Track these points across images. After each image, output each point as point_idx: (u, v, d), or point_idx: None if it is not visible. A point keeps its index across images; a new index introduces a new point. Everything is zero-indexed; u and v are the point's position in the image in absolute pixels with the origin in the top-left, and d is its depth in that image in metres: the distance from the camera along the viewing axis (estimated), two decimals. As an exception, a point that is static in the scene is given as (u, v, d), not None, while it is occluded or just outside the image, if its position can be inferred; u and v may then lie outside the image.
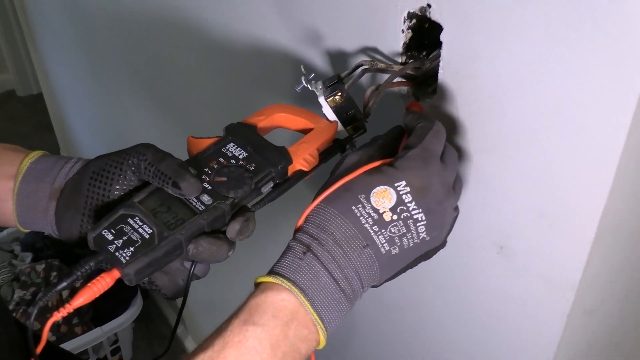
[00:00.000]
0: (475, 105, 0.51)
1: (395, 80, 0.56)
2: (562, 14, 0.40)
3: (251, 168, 0.50)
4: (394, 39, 0.56)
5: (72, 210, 0.51)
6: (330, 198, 0.47)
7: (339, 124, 0.55)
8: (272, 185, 0.51)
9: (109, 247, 0.46)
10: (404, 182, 0.46)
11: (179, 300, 1.91)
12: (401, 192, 0.46)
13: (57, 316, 0.44)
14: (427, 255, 0.50)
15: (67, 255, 2.13)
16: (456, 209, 0.50)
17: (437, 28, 0.51)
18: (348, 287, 0.46)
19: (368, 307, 0.84)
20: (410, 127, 0.51)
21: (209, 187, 0.49)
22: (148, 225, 0.47)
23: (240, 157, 0.51)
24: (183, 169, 0.48)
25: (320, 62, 0.68)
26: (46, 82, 2.58)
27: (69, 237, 0.52)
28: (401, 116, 0.53)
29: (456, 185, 0.50)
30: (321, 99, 0.54)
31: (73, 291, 1.84)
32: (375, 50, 0.60)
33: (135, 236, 0.46)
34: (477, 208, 0.56)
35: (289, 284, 0.44)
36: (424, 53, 0.57)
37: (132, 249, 0.46)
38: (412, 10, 0.52)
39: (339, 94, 0.54)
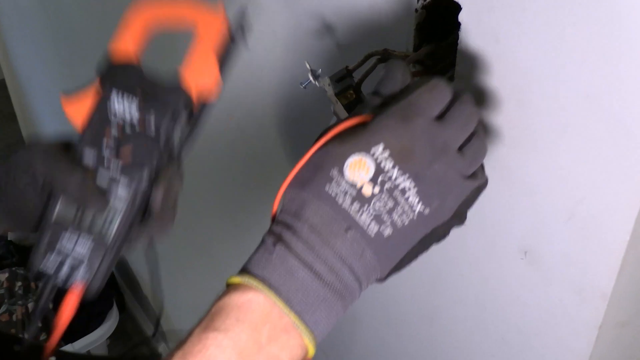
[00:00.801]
0: (497, 93, 0.52)
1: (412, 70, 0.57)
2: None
3: (150, 129, 0.48)
4: (406, 21, 0.57)
5: None
6: (303, 179, 0.45)
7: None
8: (182, 132, 0.50)
9: (59, 275, 0.49)
10: (381, 145, 0.43)
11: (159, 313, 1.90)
12: (379, 159, 0.43)
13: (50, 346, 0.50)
14: (437, 234, 0.46)
15: (33, 263, 2.14)
16: (474, 176, 0.46)
17: (455, 7, 0.52)
18: (336, 281, 0.43)
19: (374, 322, 0.85)
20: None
21: (118, 176, 0.49)
22: (82, 239, 0.49)
23: (132, 117, 0.48)
24: (83, 192, 0.48)
25: (325, 53, 0.68)
26: (9, 67, 2.59)
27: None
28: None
29: (469, 149, 0.46)
30: (331, 96, 0.55)
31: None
32: (386, 36, 0.60)
33: (77, 255, 0.49)
34: (499, 208, 0.57)
35: (255, 281, 0.42)
36: (440, 36, 0.58)
37: (83, 267, 0.49)
38: (427, -12, 0.53)
39: (350, 90, 0.55)
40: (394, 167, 0.43)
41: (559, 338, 0.58)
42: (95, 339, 1.92)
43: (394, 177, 0.43)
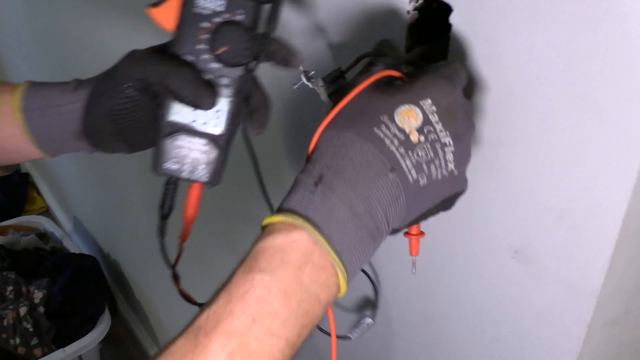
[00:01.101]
0: (490, 94, 0.53)
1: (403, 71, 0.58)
2: (579, 2, 0.42)
3: (239, 18, 0.50)
4: (398, 22, 0.57)
5: (109, 144, 0.58)
6: (345, 123, 0.46)
7: None
8: (268, 10, 0.51)
9: (181, 175, 0.53)
10: (429, 100, 0.46)
11: (151, 318, 1.92)
12: (427, 112, 0.46)
13: (182, 241, 0.56)
14: (449, 202, 0.49)
15: (24, 267, 2.14)
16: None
17: (447, 9, 0.53)
18: (371, 222, 0.44)
19: (378, 324, 0.86)
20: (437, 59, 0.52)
21: (219, 66, 0.51)
22: (197, 137, 0.52)
23: (220, 8, 0.50)
24: (195, 85, 0.50)
25: (318, 55, 0.69)
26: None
27: (119, 152, 0.59)
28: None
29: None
30: (324, 97, 0.55)
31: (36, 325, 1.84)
32: (379, 37, 0.61)
33: (195, 154, 0.52)
34: (491, 207, 0.58)
35: (300, 220, 0.43)
36: (433, 37, 0.58)
37: (203, 166, 0.52)
38: (419, -10, 0.54)
39: (344, 91, 0.55)
40: (438, 121, 0.46)
41: (550, 336, 0.58)
42: (87, 344, 1.92)
43: (438, 130, 0.46)
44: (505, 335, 0.64)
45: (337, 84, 0.55)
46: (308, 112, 0.76)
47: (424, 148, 0.45)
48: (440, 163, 0.46)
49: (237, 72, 0.51)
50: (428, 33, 0.58)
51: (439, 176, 0.46)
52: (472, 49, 0.52)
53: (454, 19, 0.52)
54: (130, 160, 1.70)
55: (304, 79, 0.55)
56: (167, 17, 0.51)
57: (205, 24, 0.50)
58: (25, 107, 0.57)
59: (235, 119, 0.52)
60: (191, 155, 0.52)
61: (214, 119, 0.52)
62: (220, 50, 0.50)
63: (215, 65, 0.51)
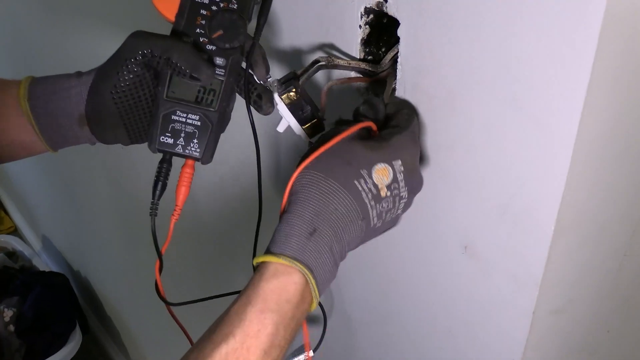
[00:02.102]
0: (434, 100, 0.57)
1: (353, 76, 0.62)
2: (515, 9, 0.46)
3: (234, 6, 0.56)
4: (351, 34, 0.61)
5: (110, 130, 0.61)
6: (330, 170, 0.53)
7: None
8: (258, 6, 0.58)
9: (175, 149, 0.57)
10: (400, 161, 0.54)
11: (123, 334, 1.92)
12: (397, 171, 0.54)
13: (174, 219, 0.59)
14: (382, 233, 0.58)
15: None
16: None
17: (396, 23, 0.57)
18: (340, 258, 0.54)
19: (330, 323, 0.89)
20: (393, 112, 0.58)
21: (215, 48, 0.57)
22: (192, 113, 0.57)
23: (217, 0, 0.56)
24: (195, 59, 0.56)
25: (279, 60, 0.73)
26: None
27: (118, 143, 0.63)
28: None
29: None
30: (275, 96, 0.59)
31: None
32: (332, 46, 0.65)
33: (189, 128, 0.57)
34: (440, 207, 0.62)
35: (301, 266, 0.51)
36: (383, 49, 0.62)
37: (195, 141, 0.57)
38: (368, 5, 0.58)
39: (293, 90, 0.59)
40: (402, 179, 0.54)
41: (499, 325, 0.62)
42: (57, 361, 1.92)
43: (401, 187, 0.54)
44: (457, 328, 0.68)
45: (288, 85, 0.59)
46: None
47: (388, 201, 0.54)
48: (394, 211, 0.55)
49: (230, 53, 0.56)
50: (380, 44, 0.62)
51: (388, 219, 0.56)
52: (417, 59, 0.56)
53: (400, 32, 0.56)
54: (99, 178, 1.72)
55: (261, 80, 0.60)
56: (169, 6, 0.57)
57: (203, 12, 0.56)
58: (30, 96, 0.60)
59: (227, 97, 0.57)
60: (185, 130, 0.57)
61: (209, 97, 0.57)
62: (215, 34, 0.56)
63: (211, 47, 0.56)
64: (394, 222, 0.58)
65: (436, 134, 0.58)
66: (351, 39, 0.62)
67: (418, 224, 0.65)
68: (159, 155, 0.60)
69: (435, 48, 0.54)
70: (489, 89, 0.51)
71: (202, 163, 0.59)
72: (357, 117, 0.58)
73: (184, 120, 0.57)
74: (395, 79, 0.59)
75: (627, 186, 0.58)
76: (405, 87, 0.59)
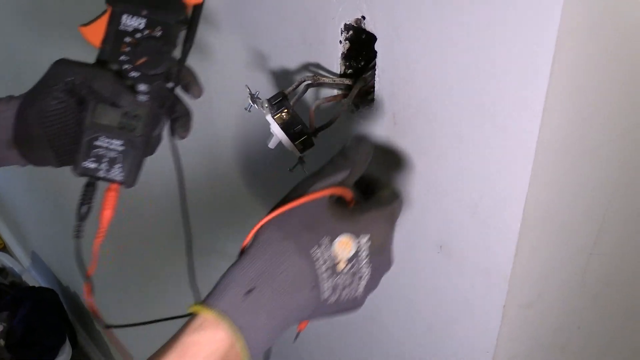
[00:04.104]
0: (409, 109, 0.61)
1: (337, 93, 0.66)
2: (480, 27, 0.51)
3: (159, 34, 0.57)
4: (332, 49, 0.66)
5: (39, 152, 0.61)
6: (288, 230, 0.51)
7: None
8: (184, 32, 0.59)
9: (98, 174, 0.58)
10: (368, 237, 0.52)
11: (112, 348, 1.92)
12: (361, 247, 0.52)
13: (98, 241, 0.60)
14: (341, 314, 0.55)
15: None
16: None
17: (373, 38, 0.61)
18: (283, 325, 0.50)
19: (316, 324, 0.92)
20: (378, 181, 0.59)
21: (139, 74, 0.57)
22: (115, 139, 0.57)
23: (141, 26, 0.57)
24: (116, 86, 0.56)
25: (267, 81, 0.77)
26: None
27: (48, 165, 0.63)
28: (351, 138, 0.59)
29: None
30: (268, 117, 0.62)
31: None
32: (316, 64, 0.69)
33: (112, 154, 0.58)
34: (416, 210, 0.66)
35: (229, 323, 0.48)
36: (362, 63, 0.67)
37: (119, 165, 0.58)
38: (348, 22, 0.62)
39: (285, 110, 0.62)
40: (366, 256, 0.52)
41: (473, 320, 0.66)
42: (47, 374, 1.93)
43: (362, 265, 0.52)
44: (434, 325, 0.71)
45: (280, 105, 0.62)
46: (257, 132, 0.83)
47: (345, 276, 0.52)
48: (352, 289, 0.53)
49: (154, 79, 0.57)
50: (360, 58, 0.67)
51: (346, 298, 0.53)
52: (393, 72, 0.60)
53: (377, 47, 0.61)
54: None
55: (250, 100, 0.62)
56: (95, 34, 0.58)
57: (128, 39, 0.57)
58: None
59: (151, 123, 0.58)
60: (109, 155, 0.58)
61: (132, 122, 0.58)
62: (139, 61, 0.57)
63: (135, 74, 0.57)
64: (355, 303, 0.54)
65: (411, 141, 0.62)
66: (332, 53, 0.66)
67: (397, 225, 0.69)
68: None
69: (409, 61, 0.58)
70: (458, 98, 0.55)
71: (126, 187, 0.60)
72: (336, 165, 0.57)
73: (107, 145, 0.58)
74: (363, 85, 0.64)
75: (590, 187, 0.62)
76: (382, 97, 0.63)
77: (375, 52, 0.61)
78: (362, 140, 0.58)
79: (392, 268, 0.73)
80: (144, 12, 0.57)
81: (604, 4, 0.48)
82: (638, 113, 0.60)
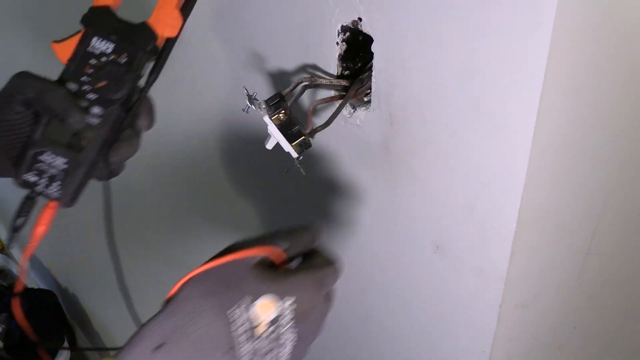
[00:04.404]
0: (406, 111, 0.61)
1: (334, 94, 0.66)
2: (476, 28, 0.51)
3: (123, 60, 0.57)
4: (330, 51, 0.66)
5: None
6: (210, 288, 0.49)
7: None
8: (151, 65, 0.58)
9: (36, 188, 0.58)
10: (292, 300, 0.50)
11: (112, 351, 1.92)
12: (285, 311, 0.49)
13: (27, 255, 0.59)
14: None
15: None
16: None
17: (370, 40, 0.61)
18: None
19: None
20: (314, 249, 0.57)
21: (96, 97, 0.57)
22: (61, 156, 0.57)
23: (108, 51, 0.57)
24: (68, 104, 0.55)
25: (264, 83, 0.77)
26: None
27: (7, 176, 0.61)
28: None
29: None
30: (265, 118, 0.62)
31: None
32: (313, 66, 0.69)
33: (54, 171, 0.57)
34: (413, 211, 0.66)
35: None
36: (359, 64, 0.67)
37: (58, 183, 0.57)
38: (345, 24, 0.63)
39: (282, 111, 0.62)
40: (289, 321, 0.50)
41: (470, 320, 0.66)
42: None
43: (284, 330, 0.50)
44: (432, 325, 0.72)
45: (277, 106, 0.62)
46: (253, 134, 0.83)
47: (264, 342, 0.49)
48: (274, 355, 0.50)
49: (111, 104, 0.57)
50: (357, 59, 0.67)
51: None
52: (390, 73, 0.61)
53: (374, 47, 0.61)
54: (86, 193, 1.73)
55: (247, 101, 0.63)
56: (64, 52, 0.58)
57: (93, 61, 0.57)
58: None
59: (99, 147, 0.57)
60: (50, 171, 0.57)
61: (81, 143, 0.57)
62: (99, 84, 0.56)
63: (92, 96, 0.57)
64: None
65: (407, 141, 0.63)
66: (329, 55, 0.66)
67: (393, 226, 0.70)
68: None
69: (406, 62, 0.58)
70: (454, 99, 0.55)
71: (62, 206, 0.59)
72: (277, 236, 0.55)
73: (51, 161, 0.57)
74: (360, 86, 0.64)
75: (586, 187, 0.62)
76: (379, 98, 0.63)
77: (372, 53, 0.62)
78: (314, 226, 0.57)
79: (389, 268, 0.74)
80: (114, 37, 0.57)
81: (600, 2, 0.48)
82: (635, 113, 0.60)
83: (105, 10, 0.58)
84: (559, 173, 0.58)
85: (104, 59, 0.57)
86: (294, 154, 0.64)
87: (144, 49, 0.57)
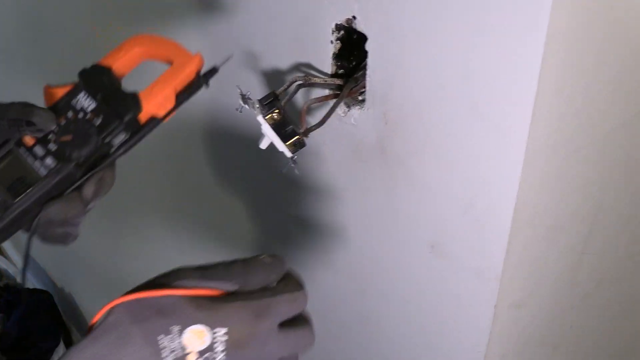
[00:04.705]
0: (401, 110, 0.61)
1: (328, 93, 0.66)
2: (472, 27, 0.51)
3: (97, 122, 0.54)
4: (324, 49, 0.66)
5: None
6: (139, 313, 0.47)
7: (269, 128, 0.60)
8: (124, 136, 0.54)
9: None
10: (224, 330, 0.47)
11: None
12: (216, 340, 0.47)
13: None
14: None
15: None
16: None
17: (364, 38, 0.61)
18: None
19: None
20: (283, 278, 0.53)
21: (55, 148, 0.54)
22: None
23: (89, 109, 0.54)
24: (29, 107, 0.52)
25: (258, 82, 0.76)
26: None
27: None
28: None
29: None
30: (259, 118, 0.62)
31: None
32: (308, 65, 0.69)
33: None
34: (409, 211, 0.66)
35: None
36: (353, 63, 0.67)
37: None
38: (339, 22, 0.62)
39: (276, 111, 0.61)
40: (222, 351, 0.47)
41: (465, 319, 0.66)
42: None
43: (218, 358, 0.47)
44: (428, 324, 0.71)
45: (271, 105, 0.62)
46: (245, 133, 0.83)
47: None
48: None
49: (65, 161, 0.53)
50: (351, 58, 0.67)
51: None
52: (385, 71, 0.60)
53: (368, 46, 0.61)
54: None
55: (241, 101, 0.62)
56: (51, 97, 0.56)
57: (70, 114, 0.55)
58: None
59: (36, 198, 0.54)
60: None
61: (21, 188, 0.53)
62: (64, 138, 0.54)
63: (52, 146, 0.54)
64: None
65: (402, 141, 0.62)
66: (324, 53, 0.66)
67: (389, 226, 0.69)
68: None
69: (400, 61, 0.58)
70: (449, 98, 0.55)
71: None
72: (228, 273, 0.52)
73: None
74: (354, 85, 0.64)
75: (581, 187, 0.62)
76: (374, 97, 0.63)
77: (366, 52, 0.61)
78: (275, 262, 0.53)
79: (385, 268, 0.73)
80: (99, 97, 0.54)
81: (593, 4, 0.48)
82: (629, 112, 0.60)
83: (105, 71, 0.56)
84: (554, 173, 0.58)
85: (81, 115, 0.54)
86: (288, 154, 0.63)
87: (121, 118, 0.54)
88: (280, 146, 0.63)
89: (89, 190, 0.54)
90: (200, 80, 0.57)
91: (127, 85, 0.56)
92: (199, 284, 0.50)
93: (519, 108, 0.50)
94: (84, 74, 0.56)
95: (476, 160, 0.56)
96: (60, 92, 0.56)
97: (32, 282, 2.45)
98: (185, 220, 1.18)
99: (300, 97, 0.70)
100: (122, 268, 1.65)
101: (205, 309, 0.48)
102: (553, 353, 0.78)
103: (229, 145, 0.91)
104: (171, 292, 0.49)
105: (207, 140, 0.95)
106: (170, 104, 0.55)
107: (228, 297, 0.50)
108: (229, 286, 0.51)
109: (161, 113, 0.55)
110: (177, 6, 0.84)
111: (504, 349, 0.68)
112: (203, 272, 0.51)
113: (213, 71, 0.58)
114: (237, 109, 0.63)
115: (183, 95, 0.56)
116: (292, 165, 0.64)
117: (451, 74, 0.54)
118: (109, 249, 1.70)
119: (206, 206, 1.09)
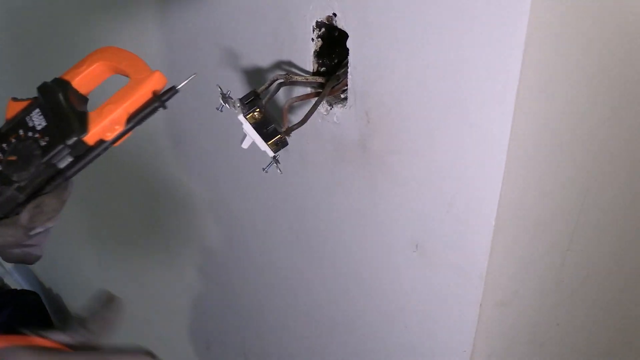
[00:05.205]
0: (383, 107, 0.60)
1: (310, 92, 0.65)
2: (452, 24, 0.50)
3: (43, 143, 0.50)
4: (305, 47, 0.64)
5: None
6: None
7: (254, 132, 0.60)
8: (70, 159, 0.51)
9: None
10: None
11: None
12: None
13: None
14: None
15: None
16: None
17: (345, 36, 0.60)
18: None
19: (298, 328, 0.91)
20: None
21: (1, 169, 0.50)
22: None
23: (39, 127, 0.51)
24: None
25: (239, 81, 0.75)
26: None
27: None
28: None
29: None
30: (240, 117, 0.61)
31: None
32: (289, 63, 0.68)
33: None
34: (392, 210, 0.65)
35: None
36: (335, 61, 0.66)
37: None
38: (320, 19, 0.61)
39: (257, 110, 0.60)
40: None
41: (450, 317, 0.65)
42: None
43: None
44: (413, 323, 0.71)
45: (252, 104, 0.61)
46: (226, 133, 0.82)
47: None
48: None
49: (6, 183, 0.51)
50: (332, 55, 0.66)
51: None
52: (366, 69, 0.59)
53: (349, 43, 0.59)
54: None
55: (221, 100, 0.61)
56: (12, 110, 0.52)
57: (21, 131, 0.51)
58: None
59: None
60: None
61: None
62: (10, 157, 0.50)
63: (1, 166, 0.51)
64: None
65: (384, 139, 0.61)
66: (305, 51, 0.65)
67: (373, 224, 0.68)
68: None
69: (381, 59, 0.57)
70: (430, 96, 0.54)
71: None
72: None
73: None
74: (336, 83, 0.63)
75: (565, 184, 0.61)
76: (355, 95, 0.62)
77: (348, 49, 0.60)
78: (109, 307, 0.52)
79: (369, 267, 0.72)
80: (50, 116, 0.51)
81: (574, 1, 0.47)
82: (611, 109, 0.59)
83: (65, 85, 0.52)
84: (537, 170, 0.57)
85: (30, 133, 0.51)
86: (270, 153, 0.62)
87: (64, 141, 0.50)
88: (262, 145, 0.62)
89: (25, 216, 0.51)
90: (157, 100, 0.52)
91: (106, 95, 0.52)
92: (44, 335, 0.48)
93: (501, 105, 0.49)
94: (43, 88, 0.53)
95: (458, 158, 0.55)
96: (18, 107, 0.53)
97: (19, 283, 2.43)
98: (171, 223, 1.17)
99: (281, 96, 0.69)
100: (110, 269, 1.64)
101: (44, 358, 0.46)
102: (540, 351, 0.78)
103: (211, 145, 0.90)
104: (14, 341, 0.47)
105: (189, 140, 0.94)
106: (120, 127, 0.51)
107: (71, 350, 0.48)
108: (69, 340, 0.49)
109: (110, 136, 0.51)
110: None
111: (490, 347, 0.67)
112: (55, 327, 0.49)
113: (172, 91, 0.53)
114: (217, 109, 0.62)
115: (136, 117, 0.52)
116: (275, 164, 0.63)
117: (432, 72, 0.53)
118: (97, 250, 1.69)
119: (188, 210, 1.07)
